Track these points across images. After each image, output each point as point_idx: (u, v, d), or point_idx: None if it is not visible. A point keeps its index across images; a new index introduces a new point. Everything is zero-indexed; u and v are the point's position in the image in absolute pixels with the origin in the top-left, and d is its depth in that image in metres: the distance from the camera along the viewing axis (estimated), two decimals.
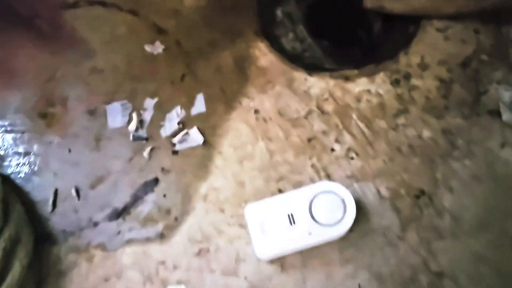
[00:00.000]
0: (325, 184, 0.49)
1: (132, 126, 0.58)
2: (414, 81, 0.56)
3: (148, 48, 0.63)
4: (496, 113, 0.54)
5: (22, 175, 0.59)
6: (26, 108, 0.63)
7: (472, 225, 0.49)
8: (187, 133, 0.57)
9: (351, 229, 0.50)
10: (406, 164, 0.52)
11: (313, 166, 0.54)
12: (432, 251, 0.49)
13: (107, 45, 0.65)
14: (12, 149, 0.60)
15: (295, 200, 0.49)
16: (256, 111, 0.58)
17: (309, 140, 0.55)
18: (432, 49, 0.57)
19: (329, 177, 0.53)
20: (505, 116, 0.53)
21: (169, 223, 0.54)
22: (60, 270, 0.54)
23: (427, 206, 0.51)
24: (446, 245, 0.49)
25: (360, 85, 0.57)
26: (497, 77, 0.55)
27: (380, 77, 0.57)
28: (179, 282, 0.51)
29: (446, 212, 0.50)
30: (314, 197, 0.49)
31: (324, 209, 0.48)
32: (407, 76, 0.56)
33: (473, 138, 0.53)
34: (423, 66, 0.57)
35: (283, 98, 0.58)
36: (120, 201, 0.56)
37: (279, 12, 0.63)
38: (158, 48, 0.63)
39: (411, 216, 0.50)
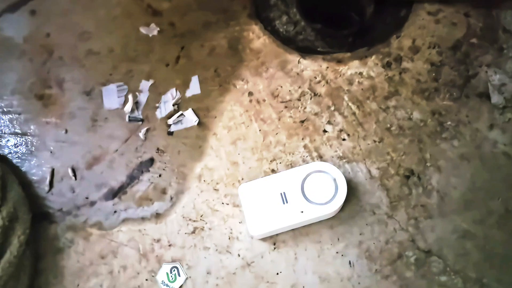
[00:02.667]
0: (317, 164, 0.51)
1: (128, 107, 0.59)
2: (405, 64, 0.57)
3: (143, 30, 0.63)
4: (485, 96, 0.55)
5: (19, 155, 0.60)
6: (23, 89, 0.63)
7: (459, 203, 0.51)
8: (182, 114, 0.58)
9: (342, 208, 0.52)
10: (395, 145, 0.54)
11: (305, 147, 0.55)
12: (420, 229, 0.50)
13: (103, 27, 0.66)
14: (9, 130, 0.61)
15: (287, 179, 0.50)
16: (250, 93, 0.58)
17: (302, 121, 0.56)
18: (423, 33, 0.58)
19: (321, 157, 0.54)
20: (494, 98, 0.54)
21: (164, 203, 0.55)
22: (57, 247, 0.55)
23: (415, 185, 0.52)
24: (433, 223, 0.50)
25: (352, 67, 0.58)
26: (486, 60, 0.56)
27: (372, 60, 0.58)
28: (174, 260, 0.52)
29: (434, 191, 0.51)
30: (306, 177, 0.50)
31: (316, 188, 0.49)
32: (398, 59, 0.57)
33: (462, 119, 0.54)
34: (414, 49, 0.58)
35: (276, 80, 0.58)
36: (116, 180, 0.57)
37: None
38: (153, 30, 0.63)
39: (400, 195, 0.52)
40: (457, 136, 0.53)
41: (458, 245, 0.50)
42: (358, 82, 0.57)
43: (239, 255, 0.52)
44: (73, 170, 0.58)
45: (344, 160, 0.54)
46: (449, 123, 0.54)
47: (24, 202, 0.54)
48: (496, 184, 0.51)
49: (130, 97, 0.60)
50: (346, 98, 0.56)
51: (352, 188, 0.52)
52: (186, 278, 0.51)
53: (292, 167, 0.54)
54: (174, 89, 0.60)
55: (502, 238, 0.49)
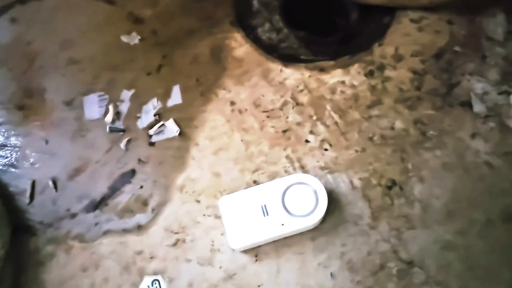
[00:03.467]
0: (297, 176, 0.50)
1: (109, 117, 0.59)
2: (388, 73, 0.57)
3: (124, 38, 0.63)
4: (467, 104, 0.54)
5: None
6: (3, 99, 0.63)
7: (441, 214, 0.51)
8: (163, 124, 0.58)
9: (324, 219, 0.51)
10: (378, 155, 0.53)
11: (287, 157, 0.55)
12: (402, 240, 0.50)
13: (84, 35, 0.65)
14: None
15: (268, 191, 0.50)
16: (232, 103, 0.58)
17: (284, 131, 0.56)
18: (407, 40, 0.58)
19: (303, 168, 0.54)
20: (477, 107, 0.54)
21: (146, 214, 0.55)
22: (38, 260, 0.54)
23: (398, 196, 0.52)
24: (416, 233, 0.50)
25: (335, 76, 0.57)
26: (469, 69, 0.56)
27: (355, 68, 0.57)
28: (155, 272, 0.52)
29: (416, 202, 0.51)
30: (286, 189, 0.49)
31: (297, 201, 0.49)
32: (381, 68, 0.57)
33: (445, 128, 0.54)
34: (397, 57, 0.57)
35: (258, 89, 0.58)
36: (97, 192, 0.57)
37: (255, 2, 0.63)
38: (134, 39, 0.63)
39: (382, 205, 0.52)
40: (439, 145, 0.53)
41: (440, 256, 0.49)
42: (341, 91, 0.56)
43: (220, 267, 0.51)
44: (54, 182, 0.57)
45: (326, 171, 0.53)
46: (431, 132, 0.54)
47: (3, 215, 0.54)
48: (479, 194, 0.51)
49: (110, 107, 0.59)
50: (328, 107, 0.56)
51: (334, 199, 0.52)
52: None
53: (274, 178, 0.53)
54: (155, 99, 0.59)
55: (485, 248, 0.49)
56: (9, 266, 0.53)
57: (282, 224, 0.48)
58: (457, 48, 0.57)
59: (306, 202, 0.49)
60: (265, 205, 0.49)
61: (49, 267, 0.54)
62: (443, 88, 0.55)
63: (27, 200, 0.57)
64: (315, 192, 0.49)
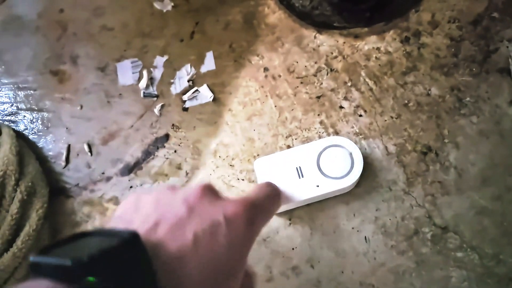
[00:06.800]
0: (333, 138, 0.50)
1: (143, 83, 0.59)
2: (424, 39, 0.56)
3: (157, 5, 0.63)
4: (505, 71, 0.54)
5: (35, 131, 0.60)
6: (38, 65, 0.63)
7: (477, 180, 0.50)
8: (197, 90, 0.58)
9: (358, 184, 0.51)
10: (413, 121, 0.53)
11: (321, 123, 0.55)
12: (437, 205, 0.50)
13: (116, 2, 0.65)
14: (25, 106, 0.61)
15: (303, 153, 0.50)
16: (265, 69, 0.58)
17: (318, 97, 0.56)
18: (443, 7, 0.57)
19: (337, 134, 0.54)
20: None
21: (179, 178, 0.55)
22: (75, 221, 0.55)
23: (433, 162, 0.51)
24: (450, 199, 0.50)
25: (369, 43, 0.57)
26: (508, 35, 0.55)
27: (390, 35, 0.57)
28: None
29: (451, 168, 0.51)
30: (322, 151, 0.50)
31: (332, 162, 0.49)
32: (417, 34, 0.56)
33: (481, 95, 0.53)
34: (434, 24, 0.56)
35: (292, 55, 0.58)
36: (131, 156, 0.57)
37: None
38: (167, 5, 0.63)
39: (417, 171, 0.51)
40: (476, 112, 0.52)
41: (475, 222, 0.49)
42: (376, 57, 0.56)
43: None
44: (89, 146, 0.58)
45: (360, 136, 0.53)
46: (468, 99, 0.53)
47: (41, 177, 0.55)
48: None
49: (144, 73, 0.60)
50: (363, 73, 0.56)
51: (369, 165, 0.52)
52: None
53: (308, 142, 0.53)
54: (188, 65, 0.59)
55: None
56: (47, 226, 0.54)
57: (317, 186, 0.49)
58: (495, 14, 0.56)
59: (341, 164, 0.49)
60: (300, 167, 0.49)
61: (85, 228, 0.55)
62: (480, 55, 0.54)
63: (63, 164, 0.58)
64: (351, 154, 0.49)
